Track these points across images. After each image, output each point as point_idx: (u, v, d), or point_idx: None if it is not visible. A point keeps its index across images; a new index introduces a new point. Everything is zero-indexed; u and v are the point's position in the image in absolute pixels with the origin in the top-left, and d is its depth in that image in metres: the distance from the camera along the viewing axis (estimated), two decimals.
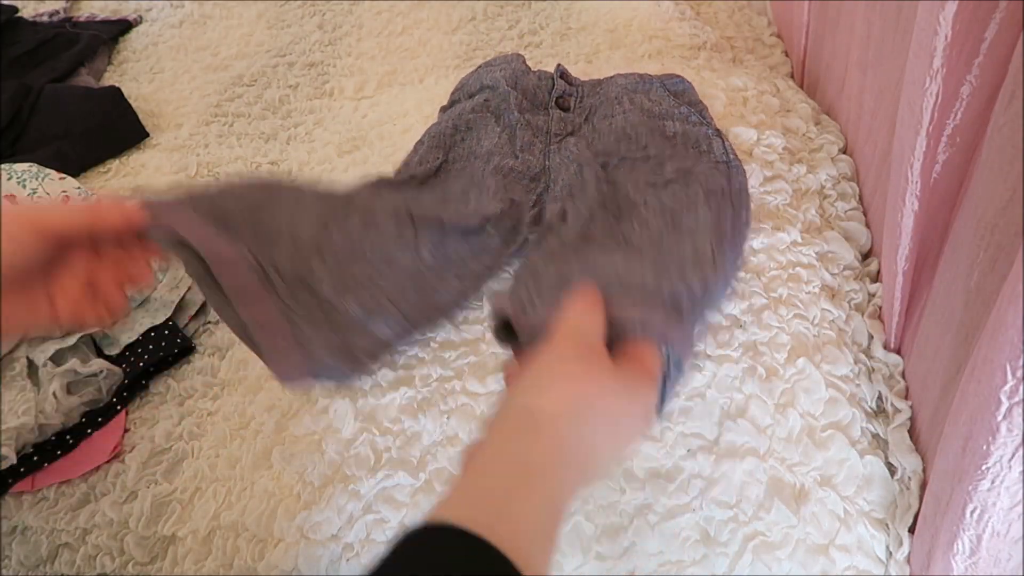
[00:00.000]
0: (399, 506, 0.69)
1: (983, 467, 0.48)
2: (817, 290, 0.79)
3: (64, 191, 0.98)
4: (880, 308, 0.77)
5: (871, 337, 0.76)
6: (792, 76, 1.14)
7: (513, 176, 0.82)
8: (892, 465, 0.68)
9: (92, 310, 0.54)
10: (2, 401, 0.77)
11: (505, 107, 0.90)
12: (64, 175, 1.01)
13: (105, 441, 0.79)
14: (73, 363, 0.81)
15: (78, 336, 0.85)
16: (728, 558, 0.64)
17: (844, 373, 0.73)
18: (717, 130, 0.85)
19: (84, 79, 1.33)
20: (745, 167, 0.90)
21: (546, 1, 1.38)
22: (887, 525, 0.65)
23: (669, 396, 0.54)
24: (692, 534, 0.65)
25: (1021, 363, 0.42)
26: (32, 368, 0.81)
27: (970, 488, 0.50)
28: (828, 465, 0.67)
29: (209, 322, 0.90)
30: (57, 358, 0.83)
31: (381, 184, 0.80)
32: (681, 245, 0.66)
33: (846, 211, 0.88)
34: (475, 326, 0.79)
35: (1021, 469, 0.47)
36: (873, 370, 0.74)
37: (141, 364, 0.84)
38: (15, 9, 1.50)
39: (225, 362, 0.85)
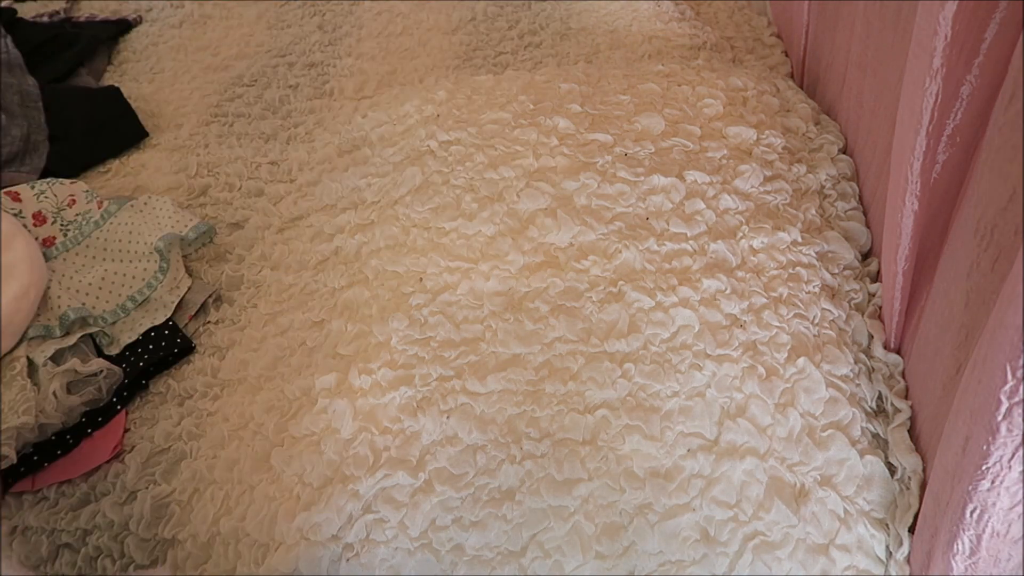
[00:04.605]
0: (399, 506, 0.69)
1: (983, 467, 0.48)
2: (817, 290, 0.79)
3: (72, 195, 0.98)
4: (880, 308, 0.77)
5: (871, 337, 0.76)
6: (792, 76, 1.14)
7: None
8: (892, 465, 0.68)
9: None
10: (2, 400, 0.77)
11: None
12: (74, 180, 1.01)
13: (105, 441, 0.79)
14: (73, 363, 0.81)
15: (78, 336, 0.85)
16: (728, 558, 0.64)
17: (844, 373, 0.73)
18: None
19: (84, 79, 1.33)
20: (745, 167, 0.90)
21: (546, 1, 1.38)
22: (887, 525, 0.65)
23: None
24: (692, 534, 0.65)
25: (1021, 363, 0.42)
26: (32, 368, 0.81)
27: (970, 488, 0.50)
28: (828, 465, 0.67)
29: (209, 322, 0.90)
30: (57, 358, 0.83)
31: None
32: None
33: (846, 211, 0.88)
34: (475, 325, 0.79)
35: (1021, 469, 0.47)
36: (873, 370, 0.74)
37: (141, 364, 0.83)
38: (13, 11, 1.50)
39: (225, 362, 0.85)
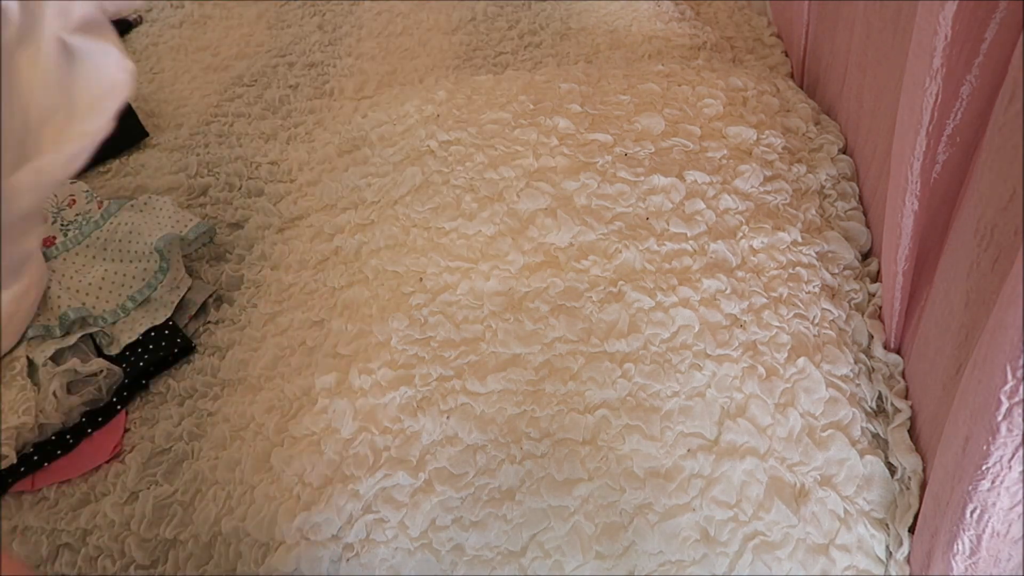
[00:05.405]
0: (399, 506, 0.69)
1: (983, 467, 0.48)
2: (817, 290, 0.79)
3: (72, 195, 0.98)
4: (880, 308, 0.77)
5: (871, 337, 0.76)
6: (792, 76, 1.14)
7: None
8: (892, 465, 0.68)
9: None
10: (2, 400, 0.77)
11: None
12: (74, 180, 1.01)
13: (105, 441, 0.79)
14: (73, 363, 0.81)
15: (78, 336, 0.85)
16: (728, 558, 0.64)
17: (844, 373, 0.73)
18: None
19: None
20: (745, 167, 0.90)
21: (546, 1, 1.38)
22: (887, 525, 0.65)
23: None
24: (692, 534, 0.65)
25: (1021, 363, 0.42)
26: (32, 368, 0.81)
27: (970, 488, 0.50)
28: (828, 465, 0.67)
29: (209, 322, 0.90)
30: (57, 358, 0.83)
31: None
32: None
33: (846, 211, 0.88)
34: (475, 325, 0.79)
35: (1021, 469, 0.47)
36: (873, 370, 0.74)
37: (141, 364, 0.84)
38: None
39: (225, 362, 0.85)
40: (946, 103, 0.54)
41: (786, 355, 0.73)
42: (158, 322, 0.87)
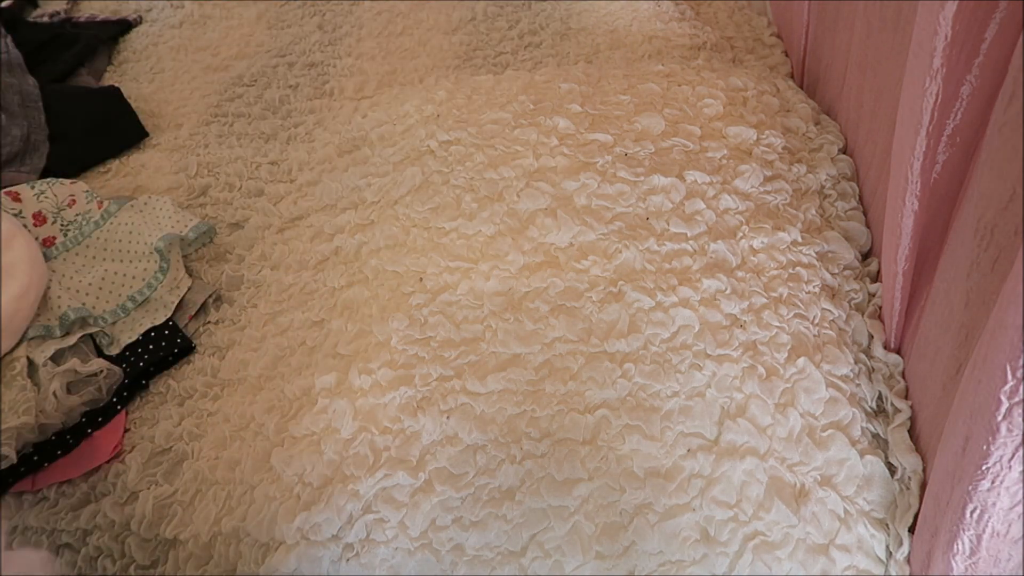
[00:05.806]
0: (399, 506, 0.69)
1: (983, 467, 0.48)
2: (817, 290, 0.79)
3: (72, 195, 0.98)
4: (880, 308, 0.77)
5: (871, 337, 0.76)
6: (792, 76, 1.14)
7: None
8: (892, 465, 0.68)
9: None
10: (2, 400, 0.77)
11: None
12: (74, 180, 1.01)
13: (105, 441, 0.79)
14: (73, 363, 0.81)
15: (78, 336, 0.85)
16: (728, 558, 0.64)
17: (844, 373, 0.73)
18: None
19: (84, 79, 1.33)
20: (745, 167, 0.90)
21: (546, 1, 1.38)
22: (887, 525, 0.65)
23: None
24: (692, 534, 0.65)
25: (1021, 363, 0.42)
26: (32, 368, 0.81)
27: (970, 488, 0.50)
28: (828, 465, 0.67)
29: (209, 322, 0.90)
30: (57, 358, 0.83)
31: None
32: None
33: (846, 211, 0.88)
34: (475, 325, 0.79)
35: (1021, 469, 0.47)
36: (873, 370, 0.74)
37: (141, 364, 0.83)
38: (14, 12, 1.50)
39: (225, 362, 0.85)
40: (946, 103, 0.55)
41: (786, 355, 0.73)
42: (158, 322, 0.87)
